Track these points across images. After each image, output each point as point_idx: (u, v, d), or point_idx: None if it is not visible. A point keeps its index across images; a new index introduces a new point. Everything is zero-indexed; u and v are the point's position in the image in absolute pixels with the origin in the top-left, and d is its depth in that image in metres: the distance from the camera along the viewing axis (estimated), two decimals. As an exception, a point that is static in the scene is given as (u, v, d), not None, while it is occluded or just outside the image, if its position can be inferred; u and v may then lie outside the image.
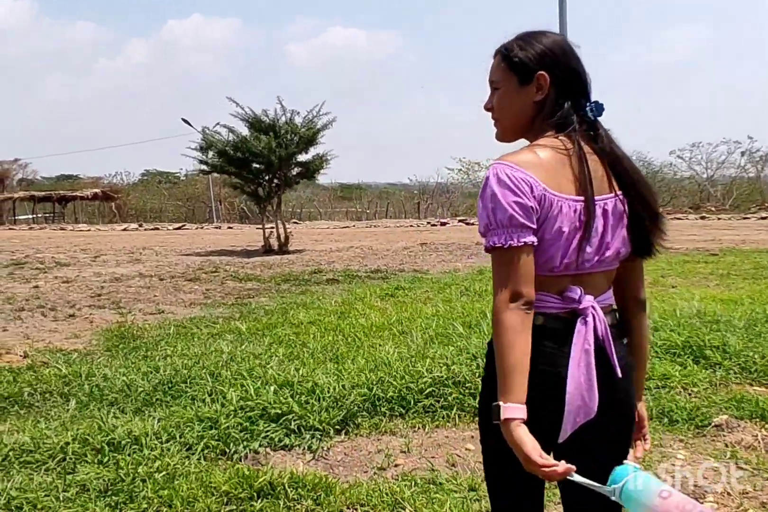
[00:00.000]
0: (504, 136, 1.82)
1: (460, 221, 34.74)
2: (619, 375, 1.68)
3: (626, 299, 1.83)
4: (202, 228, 33.70)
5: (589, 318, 1.65)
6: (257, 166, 16.61)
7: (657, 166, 43.77)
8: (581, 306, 1.65)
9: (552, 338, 1.65)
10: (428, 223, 34.97)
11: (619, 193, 1.69)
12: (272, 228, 17.50)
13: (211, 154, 16.56)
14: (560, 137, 1.67)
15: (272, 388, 4.35)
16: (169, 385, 4.85)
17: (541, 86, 1.69)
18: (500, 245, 1.58)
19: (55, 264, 14.07)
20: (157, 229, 32.97)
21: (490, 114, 1.82)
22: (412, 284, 10.43)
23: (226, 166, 16.62)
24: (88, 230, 32.19)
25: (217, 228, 33.77)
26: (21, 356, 5.79)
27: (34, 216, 43.38)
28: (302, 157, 17.10)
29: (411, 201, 47.89)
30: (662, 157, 63.47)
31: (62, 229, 33.17)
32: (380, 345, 6.12)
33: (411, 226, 33.95)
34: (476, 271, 11.98)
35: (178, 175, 64.21)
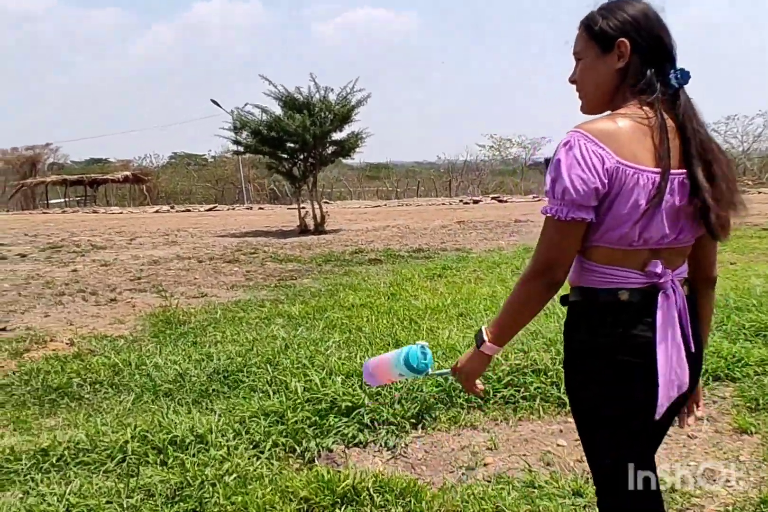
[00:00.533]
0: (588, 107, 1.76)
1: (493, 199, 34.16)
2: (693, 349, 1.71)
3: (698, 276, 1.82)
4: (233, 209, 33.50)
5: (670, 292, 1.65)
6: (291, 145, 16.25)
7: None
8: (662, 281, 1.64)
9: (637, 313, 1.63)
10: (460, 200, 34.44)
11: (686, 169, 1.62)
12: (305, 208, 17.16)
13: (245, 134, 16.23)
14: (643, 107, 1.61)
15: (339, 379, 4.04)
16: (225, 374, 4.57)
17: (623, 53, 1.64)
18: (551, 215, 1.59)
19: (91, 247, 13.90)
20: (189, 210, 32.83)
21: (574, 87, 1.78)
22: (459, 263, 10.07)
23: (260, 146, 16.28)
24: (120, 213, 32.13)
25: (248, 209, 33.55)
26: (67, 343, 5.55)
27: (66, 199, 43.50)
28: (336, 136, 16.71)
29: (439, 179, 47.33)
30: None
31: (95, 211, 33.18)
32: (440, 328, 5.81)
33: (443, 204, 33.47)
34: (522, 249, 11.60)
35: (205, 157, 64.36)
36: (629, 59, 1.64)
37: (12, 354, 5.40)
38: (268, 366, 4.57)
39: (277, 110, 16.31)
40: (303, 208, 17.29)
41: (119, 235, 17.24)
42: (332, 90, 15.95)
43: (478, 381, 1.85)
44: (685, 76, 1.63)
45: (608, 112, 1.67)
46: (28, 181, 41.11)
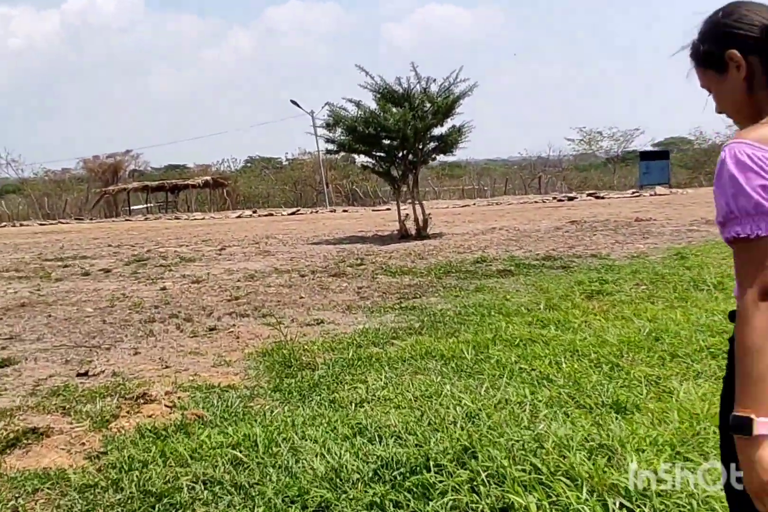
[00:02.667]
0: (744, 126, 1.56)
1: (588, 195, 32.08)
2: None
3: None
4: (316, 212, 32.38)
5: None
6: (389, 142, 14.80)
7: None
8: None
9: None
10: (554, 198, 32.46)
11: None
12: (405, 209, 15.68)
13: (339, 130, 14.85)
14: None
15: (584, 490, 2.50)
16: (399, 471, 3.07)
17: (737, 62, 1.54)
18: (745, 236, 1.42)
19: (179, 259, 12.73)
20: (272, 214, 31.86)
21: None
22: (610, 275, 8.43)
23: (355, 144, 14.87)
24: (203, 218, 31.40)
25: (332, 211, 32.39)
26: (167, 406, 4.16)
27: (148, 205, 43.26)
28: (436, 131, 15.18)
29: (512, 176, 45.41)
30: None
31: (177, 218, 32.54)
32: (662, 378, 4.23)
33: (536, 202, 31.60)
34: (675, 255, 9.85)
35: (280, 160, 64.09)
36: (747, 63, 1.53)
37: (96, 422, 4.04)
38: (466, 455, 3.07)
39: (371, 104, 14.91)
40: (403, 209, 15.78)
41: (206, 243, 16.11)
42: (434, 80, 14.43)
43: None
44: None
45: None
46: (110, 189, 40.98)
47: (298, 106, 39.93)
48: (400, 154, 15.13)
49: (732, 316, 1.53)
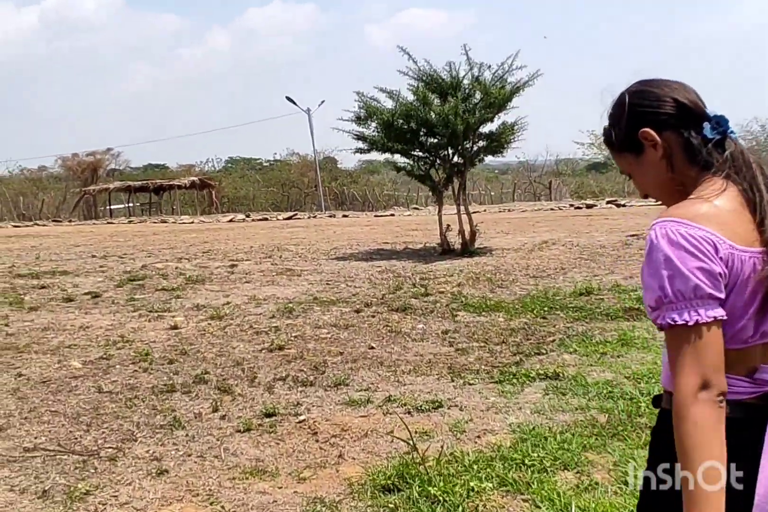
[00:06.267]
0: (671, 205, 1.47)
1: (608, 202, 29.91)
2: None
3: None
4: (315, 217, 29.90)
5: None
6: (433, 139, 12.46)
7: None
8: None
9: (738, 431, 1.34)
10: (570, 205, 30.28)
11: None
12: (438, 219, 13.32)
13: (373, 125, 12.47)
14: (714, 178, 1.44)
15: None
16: None
17: (653, 141, 1.49)
18: (683, 323, 1.33)
19: (183, 279, 10.26)
20: (266, 219, 29.35)
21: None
22: None
23: (389, 142, 12.47)
24: (192, 222, 28.82)
25: (331, 216, 29.96)
26: None
27: (130, 205, 40.54)
28: (485, 128, 12.84)
29: (505, 183, 43.43)
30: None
31: (164, 221, 29.91)
32: None
33: (551, 209, 29.41)
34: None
35: (260, 160, 61.94)
36: (663, 141, 1.48)
37: None
38: None
39: (407, 95, 12.56)
40: (444, 216, 13.40)
41: (209, 256, 13.63)
42: (489, 66, 12.11)
43: None
44: (722, 122, 1.46)
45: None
46: (91, 188, 38.26)
47: (293, 103, 37.63)
48: (443, 154, 12.77)
49: (655, 402, 1.52)
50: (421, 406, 4.44)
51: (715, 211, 1.37)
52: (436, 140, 12.47)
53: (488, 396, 4.67)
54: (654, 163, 1.50)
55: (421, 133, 12.40)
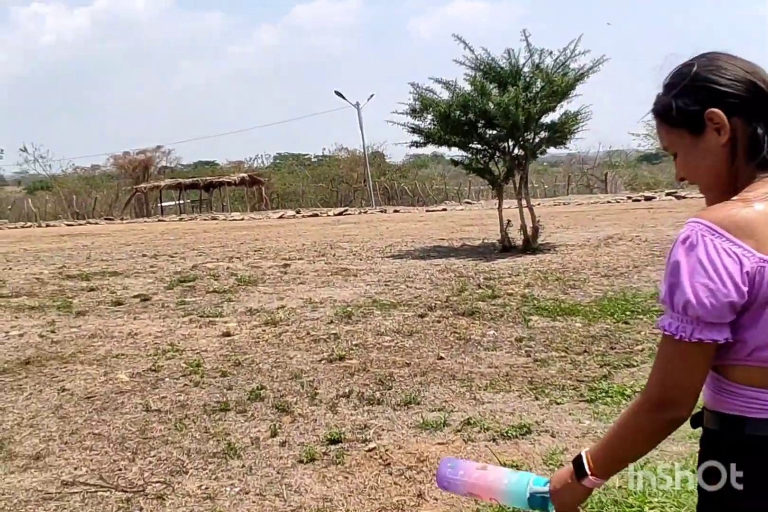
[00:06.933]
0: (713, 201, 1.34)
1: (668, 194, 28.83)
2: None
3: None
4: (365, 212, 29.48)
5: None
6: (492, 131, 11.85)
7: None
8: None
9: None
10: (629, 197, 29.31)
11: None
12: (499, 214, 12.69)
13: (429, 118, 11.91)
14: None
15: None
16: None
17: (719, 124, 1.29)
18: (670, 333, 1.25)
19: (236, 281, 9.86)
20: (317, 215, 28.99)
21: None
22: None
23: (446, 135, 11.89)
24: (242, 219, 28.62)
25: (382, 212, 29.47)
26: None
27: (180, 202, 40.62)
28: (546, 118, 12.17)
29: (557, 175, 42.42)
30: None
31: (214, 218, 29.75)
32: None
33: (608, 202, 28.48)
34: None
35: (309, 156, 61.91)
36: (731, 126, 1.29)
37: None
38: None
39: (464, 86, 11.97)
40: (505, 210, 12.78)
41: (260, 254, 13.25)
42: (551, 53, 11.44)
43: None
44: None
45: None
46: (143, 186, 38.44)
47: (342, 97, 37.26)
48: (504, 146, 12.15)
49: (695, 422, 1.37)
50: (506, 432, 3.90)
51: (753, 216, 1.23)
52: (495, 132, 11.89)
53: (581, 418, 4.11)
54: (712, 149, 1.33)
55: (480, 125, 11.82)
